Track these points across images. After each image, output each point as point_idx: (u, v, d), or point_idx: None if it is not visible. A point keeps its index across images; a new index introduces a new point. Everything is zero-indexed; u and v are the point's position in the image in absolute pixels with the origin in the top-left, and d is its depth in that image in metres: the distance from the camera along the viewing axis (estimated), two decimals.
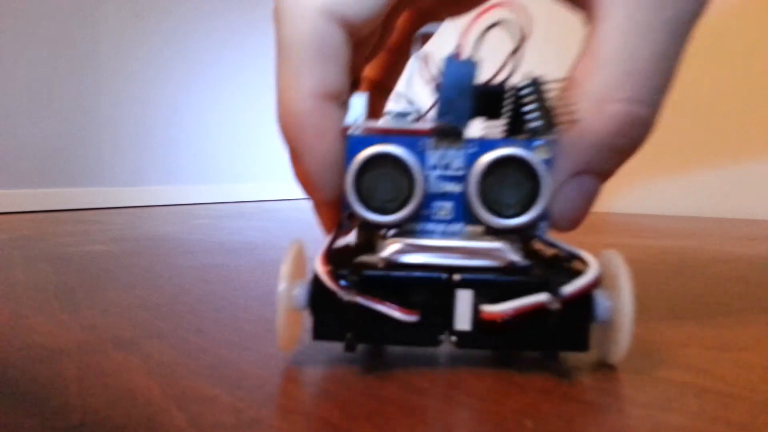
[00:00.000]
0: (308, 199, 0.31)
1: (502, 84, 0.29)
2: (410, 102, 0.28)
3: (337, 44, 0.26)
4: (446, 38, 0.26)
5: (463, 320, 0.25)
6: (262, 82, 2.05)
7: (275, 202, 1.85)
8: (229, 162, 1.98)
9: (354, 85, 0.29)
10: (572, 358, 0.27)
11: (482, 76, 0.28)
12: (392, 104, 0.29)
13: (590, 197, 0.29)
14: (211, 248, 0.73)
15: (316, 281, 0.25)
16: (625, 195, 1.35)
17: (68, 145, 1.66)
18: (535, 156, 0.25)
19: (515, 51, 0.28)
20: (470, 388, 0.24)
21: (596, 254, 0.27)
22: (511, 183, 0.25)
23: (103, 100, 1.73)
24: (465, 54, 0.27)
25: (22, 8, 1.57)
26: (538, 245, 0.30)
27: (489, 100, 0.29)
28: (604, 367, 0.26)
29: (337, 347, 0.27)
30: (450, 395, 0.23)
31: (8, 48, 1.56)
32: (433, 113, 0.26)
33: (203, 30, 1.92)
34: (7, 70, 1.55)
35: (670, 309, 0.38)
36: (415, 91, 0.29)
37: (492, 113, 0.29)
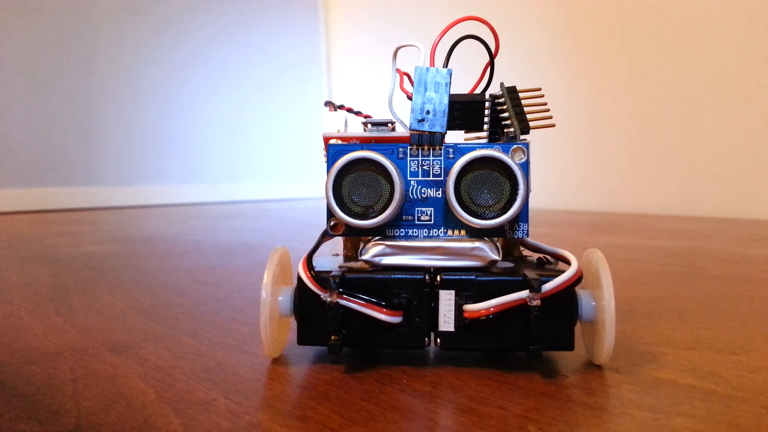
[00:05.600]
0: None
1: (482, 94, 0.29)
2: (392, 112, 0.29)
3: None
4: (423, 52, 0.27)
5: (446, 321, 0.26)
6: (258, 80, 2.04)
7: (271, 202, 1.84)
8: (224, 161, 1.98)
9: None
10: (574, 362, 0.27)
11: (458, 87, 0.28)
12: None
13: None
14: (207, 249, 0.73)
15: (300, 286, 0.26)
16: (634, 195, 1.35)
17: (62, 144, 1.66)
18: (510, 157, 0.26)
19: (491, 63, 0.29)
20: (472, 391, 0.23)
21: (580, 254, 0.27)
22: (489, 184, 0.26)
23: (97, 99, 1.72)
24: (436, 63, 0.27)
25: (17, 7, 1.56)
26: (523, 248, 0.30)
27: (470, 111, 0.29)
28: (609, 370, 0.26)
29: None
30: (452, 399, 0.23)
31: (1, 47, 1.55)
32: (411, 122, 0.27)
33: (197, 28, 1.91)
34: None
35: (677, 311, 0.37)
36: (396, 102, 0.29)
37: (474, 125, 0.30)
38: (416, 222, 0.27)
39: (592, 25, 1.42)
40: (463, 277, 0.25)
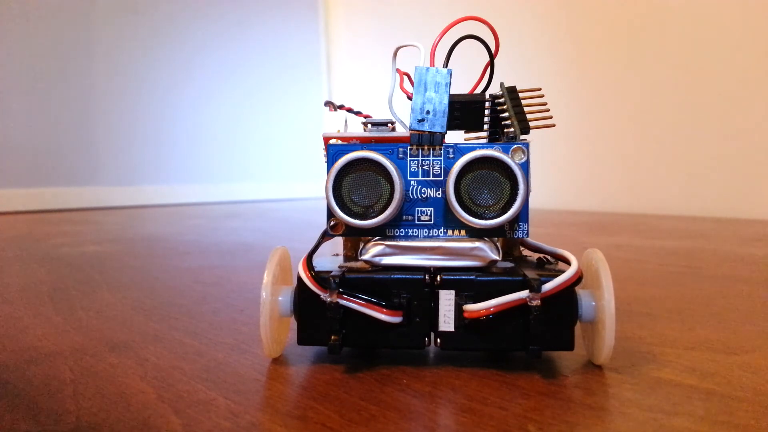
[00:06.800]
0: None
1: (482, 94, 0.29)
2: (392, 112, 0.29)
3: None
4: (423, 52, 0.27)
5: (446, 321, 0.26)
6: (258, 80, 2.04)
7: (271, 202, 1.84)
8: (224, 161, 1.98)
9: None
10: (574, 362, 0.27)
11: (458, 87, 0.28)
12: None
13: None
14: (207, 249, 0.73)
15: (300, 286, 0.26)
16: (634, 195, 1.35)
17: (61, 144, 1.66)
18: (510, 157, 0.26)
19: (491, 63, 0.29)
20: (472, 391, 0.23)
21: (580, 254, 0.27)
22: (489, 184, 0.26)
23: (96, 99, 1.72)
24: (436, 63, 0.27)
25: (17, 7, 1.56)
26: (523, 248, 0.30)
27: (470, 111, 0.29)
28: (609, 370, 0.26)
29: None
30: (452, 399, 0.23)
31: (1, 47, 1.55)
32: (411, 122, 0.27)
33: (197, 28, 1.91)
34: None
35: (677, 311, 0.37)
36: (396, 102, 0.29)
37: (474, 125, 0.30)
38: (416, 222, 0.27)
39: (592, 25, 1.42)
40: (463, 277, 0.25)
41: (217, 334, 0.32)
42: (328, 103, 0.30)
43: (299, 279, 0.26)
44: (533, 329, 0.24)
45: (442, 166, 0.27)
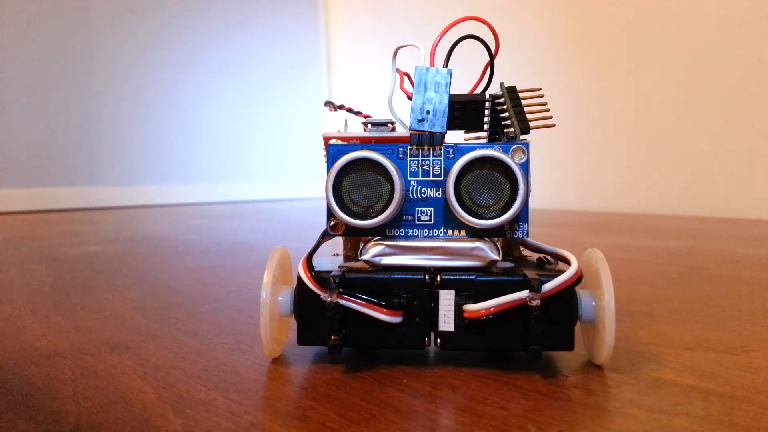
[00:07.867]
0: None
1: (482, 94, 0.29)
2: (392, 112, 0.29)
3: None
4: (423, 52, 0.27)
5: (446, 321, 0.26)
6: (258, 80, 2.04)
7: (272, 202, 1.84)
8: (224, 161, 1.98)
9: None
10: (574, 362, 0.27)
11: (458, 87, 0.28)
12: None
13: None
14: (207, 249, 0.73)
15: (300, 286, 0.26)
16: (634, 195, 1.35)
17: (62, 144, 1.66)
18: (510, 157, 0.26)
19: (491, 63, 0.29)
20: (472, 391, 0.23)
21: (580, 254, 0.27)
22: (489, 184, 0.26)
23: (97, 99, 1.72)
24: (436, 63, 0.27)
25: (17, 7, 1.56)
26: (523, 248, 0.30)
27: (470, 111, 0.29)
28: (609, 370, 0.26)
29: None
30: (452, 399, 0.23)
31: (1, 47, 1.55)
32: (411, 122, 0.27)
33: (197, 28, 1.91)
34: (0, 69, 1.55)
35: (677, 311, 0.37)
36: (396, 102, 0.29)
37: (474, 125, 0.30)
38: (416, 222, 0.27)
39: (592, 25, 1.42)
40: (463, 277, 0.25)
41: (217, 334, 0.32)
42: (328, 103, 0.30)
43: (299, 279, 0.26)
44: (533, 329, 0.24)
45: (442, 166, 0.27)
